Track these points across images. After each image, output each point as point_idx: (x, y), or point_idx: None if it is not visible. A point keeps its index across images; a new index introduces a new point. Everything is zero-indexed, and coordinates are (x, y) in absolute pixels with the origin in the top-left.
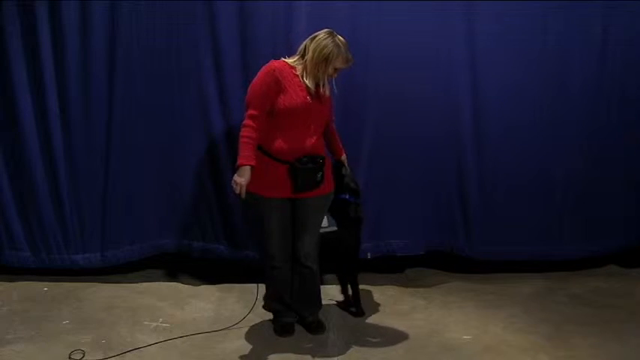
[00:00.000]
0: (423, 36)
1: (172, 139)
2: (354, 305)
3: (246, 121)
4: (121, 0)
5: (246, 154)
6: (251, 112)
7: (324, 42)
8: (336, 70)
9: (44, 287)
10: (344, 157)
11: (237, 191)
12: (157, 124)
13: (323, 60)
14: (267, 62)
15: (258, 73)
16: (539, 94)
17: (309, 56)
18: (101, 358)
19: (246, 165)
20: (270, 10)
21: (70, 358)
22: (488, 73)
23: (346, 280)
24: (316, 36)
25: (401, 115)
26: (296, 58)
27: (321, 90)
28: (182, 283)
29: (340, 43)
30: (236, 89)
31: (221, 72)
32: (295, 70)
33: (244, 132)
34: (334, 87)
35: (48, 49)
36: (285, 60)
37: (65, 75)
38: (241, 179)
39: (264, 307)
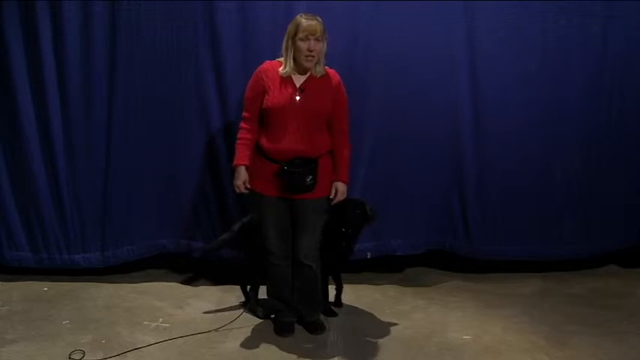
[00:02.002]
0: (423, 36)
1: (172, 138)
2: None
3: (241, 124)
4: (122, 0)
5: (238, 154)
6: (244, 114)
7: (290, 23)
8: (307, 39)
9: (44, 287)
10: (341, 185)
11: (238, 191)
12: (156, 124)
13: (291, 38)
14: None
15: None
16: (539, 93)
17: (283, 45)
18: (101, 358)
19: (239, 165)
20: (270, 10)
21: (70, 358)
22: (488, 73)
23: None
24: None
25: (401, 114)
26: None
27: (314, 72)
28: (182, 283)
29: (302, 15)
30: (236, 89)
31: (221, 72)
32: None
33: (238, 133)
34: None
35: (48, 49)
36: (279, 59)
37: (65, 75)
38: (237, 180)
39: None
